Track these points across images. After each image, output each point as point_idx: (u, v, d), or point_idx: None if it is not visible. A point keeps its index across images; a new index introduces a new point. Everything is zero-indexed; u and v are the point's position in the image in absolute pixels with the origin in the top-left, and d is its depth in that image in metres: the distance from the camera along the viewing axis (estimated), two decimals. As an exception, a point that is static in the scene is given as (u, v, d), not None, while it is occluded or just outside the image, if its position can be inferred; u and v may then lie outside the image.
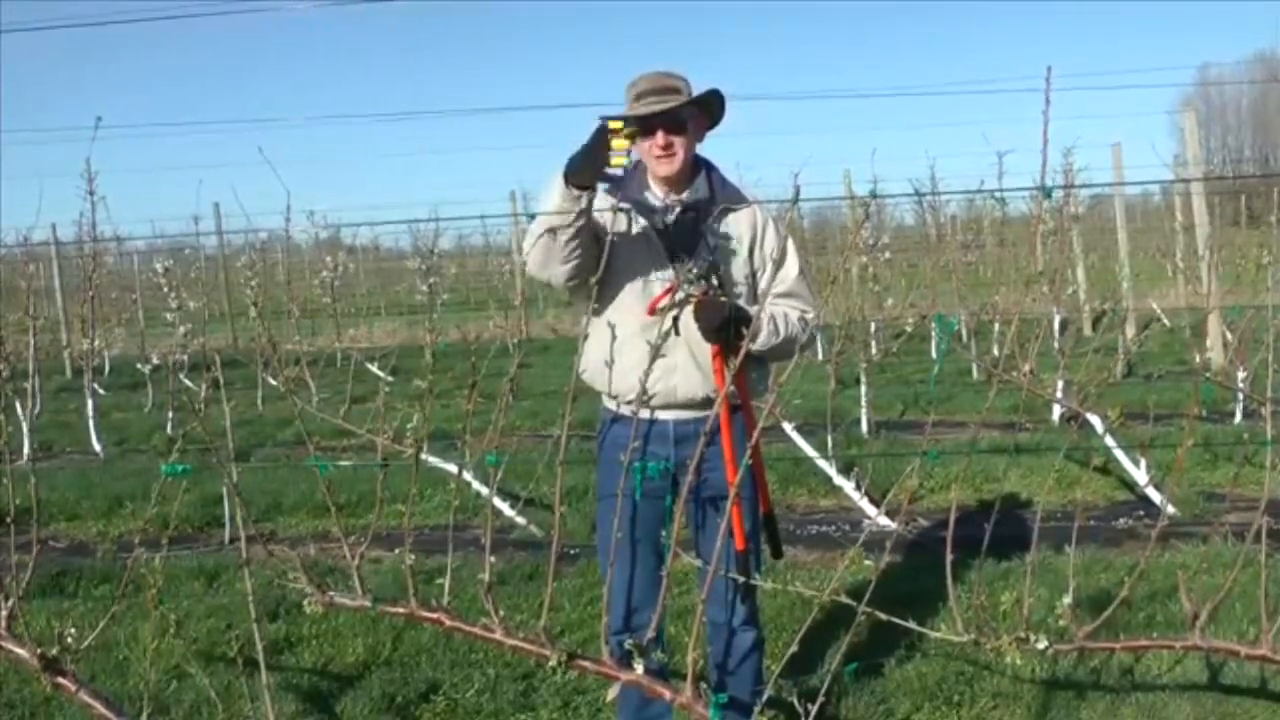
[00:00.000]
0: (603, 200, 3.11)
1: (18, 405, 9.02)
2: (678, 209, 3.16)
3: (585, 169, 2.91)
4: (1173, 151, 15.29)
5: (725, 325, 2.98)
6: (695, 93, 3.13)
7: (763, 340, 3.06)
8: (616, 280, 3.11)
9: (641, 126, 3.05)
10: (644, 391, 2.60)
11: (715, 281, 3.03)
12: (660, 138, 3.09)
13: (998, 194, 11.68)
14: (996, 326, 12.00)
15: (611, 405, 3.21)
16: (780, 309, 3.16)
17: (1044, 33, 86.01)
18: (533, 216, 3.21)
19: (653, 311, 3.03)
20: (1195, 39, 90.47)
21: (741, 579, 3.06)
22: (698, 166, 3.21)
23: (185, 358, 9.97)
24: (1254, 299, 8.19)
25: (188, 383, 7.86)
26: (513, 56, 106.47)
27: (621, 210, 3.06)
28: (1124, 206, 14.64)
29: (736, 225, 3.18)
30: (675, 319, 2.96)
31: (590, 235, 3.05)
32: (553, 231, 2.98)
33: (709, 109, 3.21)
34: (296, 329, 10.97)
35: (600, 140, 2.89)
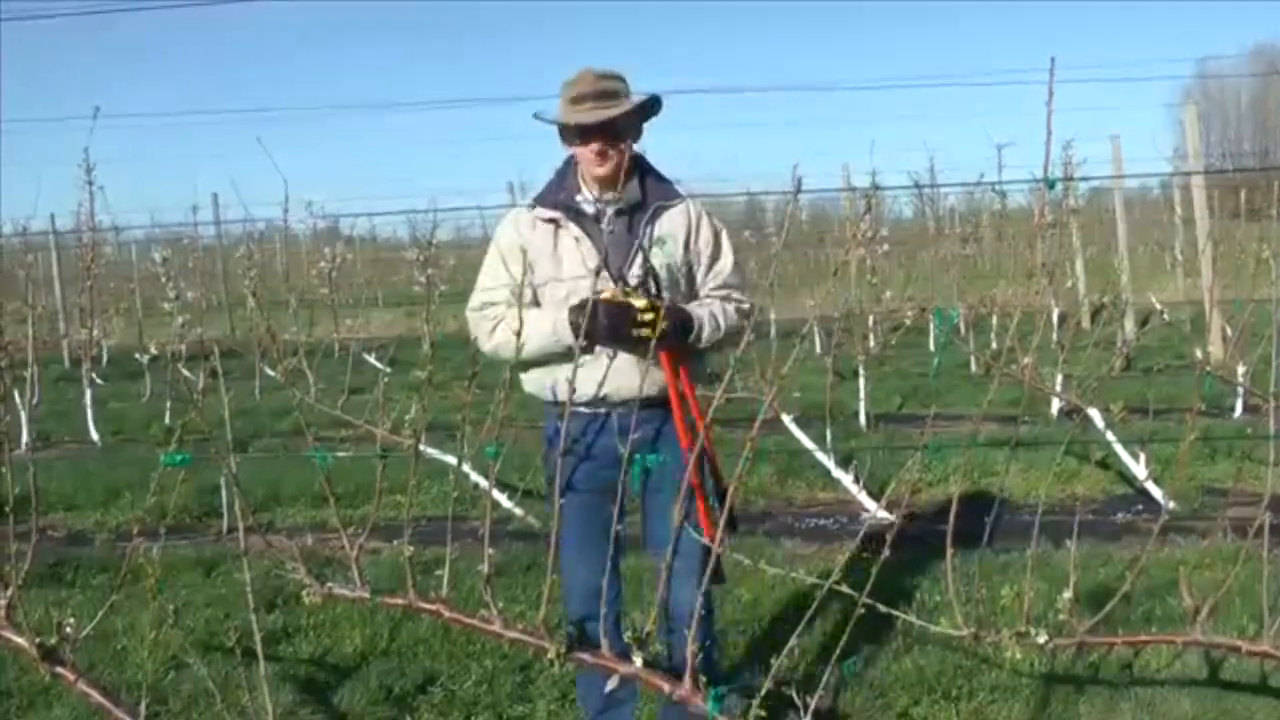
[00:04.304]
0: (528, 213, 3.18)
1: (16, 395, 9.01)
2: (610, 212, 3.16)
3: (607, 339, 2.98)
4: (1172, 145, 15.28)
5: (671, 333, 2.99)
6: (634, 94, 3.14)
7: (707, 337, 3.13)
8: (552, 287, 3.14)
9: (578, 131, 3.09)
10: (598, 391, 2.68)
11: (654, 288, 3.05)
12: (596, 145, 3.10)
13: (997, 187, 11.68)
14: (995, 320, 11.99)
15: (558, 409, 3.16)
16: (719, 303, 3.20)
17: (1044, 26, 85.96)
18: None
19: None
20: (1195, 33, 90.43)
21: (706, 556, 3.08)
22: (632, 166, 3.20)
23: (183, 348, 9.95)
24: (1254, 293, 8.17)
25: (185, 373, 7.83)
26: (511, 48, 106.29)
27: (554, 221, 3.14)
28: (1123, 200, 14.61)
29: (670, 222, 3.19)
30: None
31: None
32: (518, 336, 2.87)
33: (645, 110, 3.21)
34: (294, 319, 10.94)
35: (625, 318, 2.96)
